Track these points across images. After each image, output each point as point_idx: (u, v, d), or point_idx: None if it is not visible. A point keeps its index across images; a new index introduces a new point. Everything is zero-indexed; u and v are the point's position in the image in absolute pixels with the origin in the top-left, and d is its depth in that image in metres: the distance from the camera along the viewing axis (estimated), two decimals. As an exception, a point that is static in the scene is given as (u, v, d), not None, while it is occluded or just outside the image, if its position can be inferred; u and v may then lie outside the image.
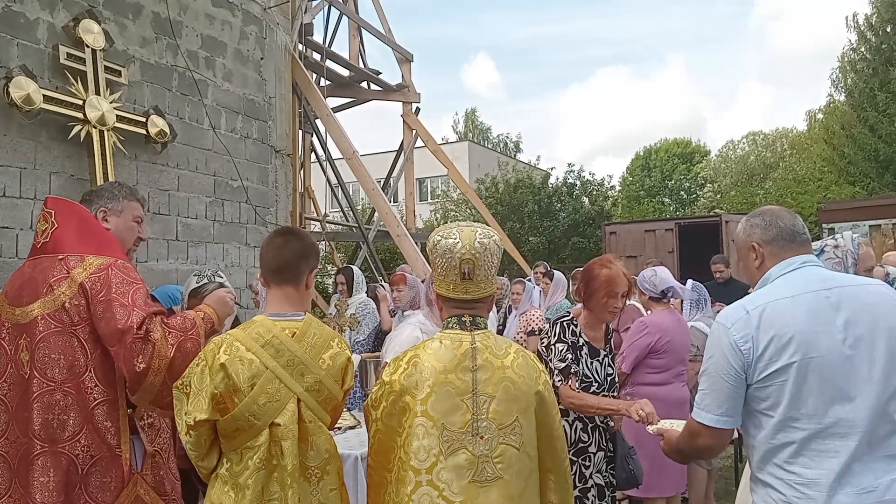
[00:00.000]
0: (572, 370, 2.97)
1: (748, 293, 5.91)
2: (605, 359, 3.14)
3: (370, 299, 5.17)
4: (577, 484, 2.89)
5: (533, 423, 1.99)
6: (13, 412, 2.15)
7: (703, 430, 1.90)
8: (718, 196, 31.54)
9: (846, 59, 24.02)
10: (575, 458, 2.93)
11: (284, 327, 2.02)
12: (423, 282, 4.26)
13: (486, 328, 2.03)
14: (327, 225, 12.32)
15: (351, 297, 5.01)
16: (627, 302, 5.07)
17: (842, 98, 24.78)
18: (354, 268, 5.09)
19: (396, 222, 7.55)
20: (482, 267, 1.96)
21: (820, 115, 26.73)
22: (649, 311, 4.65)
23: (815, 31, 60.91)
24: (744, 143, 37.70)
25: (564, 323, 3.08)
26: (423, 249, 8.50)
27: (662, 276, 4.41)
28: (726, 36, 79.48)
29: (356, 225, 10.02)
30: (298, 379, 1.99)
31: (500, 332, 5.83)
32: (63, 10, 4.62)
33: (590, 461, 2.98)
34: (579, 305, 3.37)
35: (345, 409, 2.34)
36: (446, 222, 24.45)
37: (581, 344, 3.06)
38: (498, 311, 6.69)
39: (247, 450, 1.92)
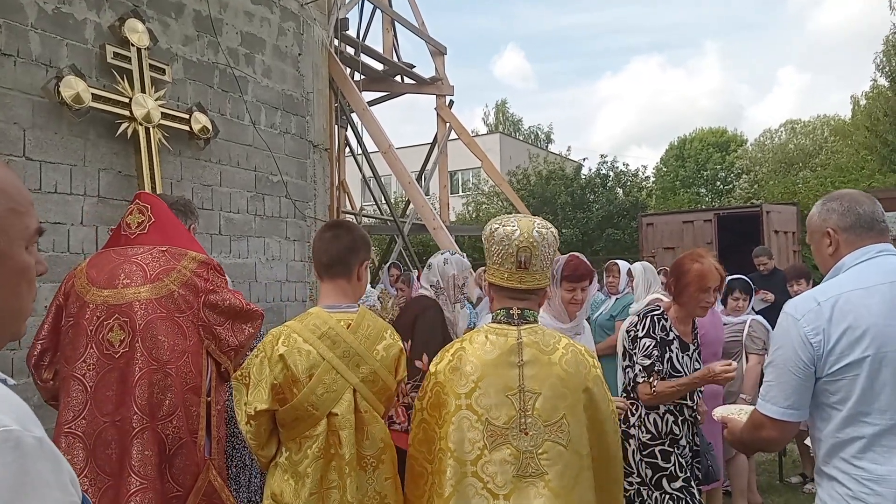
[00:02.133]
0: (655, 368, 2.92)
1: (788, 285, 5.78)
2: (694, 353, 3.10)
3: (372, 289, 5.18)
4: (678, 474, 2.87)
5: (583, 420, 1.93)
6: (92, 392, 2.23)
7: (768, 423, 1.86)
8: (755, 186, 30.89)
9: (891, 42, 23.27)
10: (670, 449, 2.91)
11: (340, 319, 2.06)
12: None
13: (535, 321, 1.99)
14: (362, 219, 12.42)
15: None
16: (655, 296, 5.06)
17: (886, 83, 24.03)
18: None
19: (433, 215, 7.57)
20: (539, 257, 1.95)
21: (864, 101, 25.91)
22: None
23: (858, 15, 59.04)
24: (782, 132, 36.84)
25: (655, 317, 3.03)
26: (456, 241, 8.51)
27: None
28: (764, 21, 77.68)
29: (391, 218, 10.07)
30: (354, 370, 2.02)
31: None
32: (109, 10, 4.71)
33: (682, 450, 2.96)
34: (668, 299, 3.34)
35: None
36: (478, 215, 24.43)
37: (671, 338, 3.00)
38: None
39: (305, 439, 1.96)
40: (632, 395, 3.02)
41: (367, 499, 1.99)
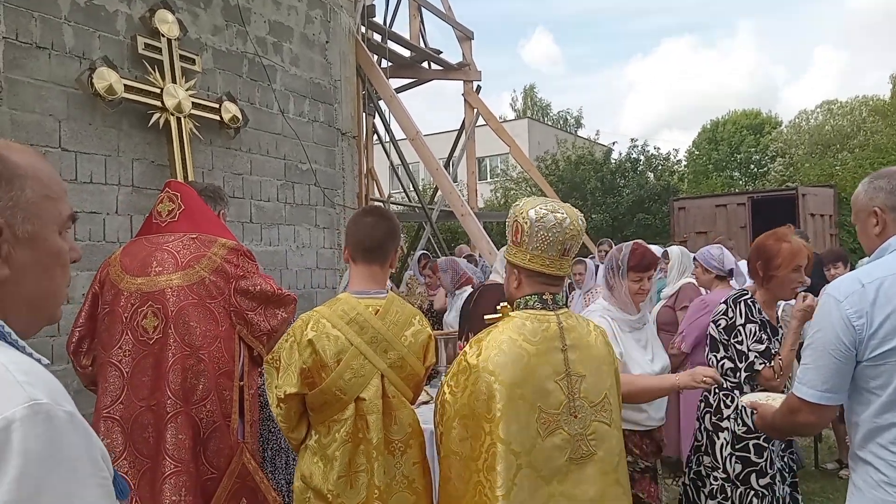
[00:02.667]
0: (773, 351, 2.83)
1: (825, 269, 5.63)
2: (781, 338, 3.01)
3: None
4: (769, 470, 2.81)
5: (618, 398, 2.01)
6: (129, 377, 2.29)
7: (805, 407, 1.81)
8: (791, 169, 30.19)
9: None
10: (765, 444, 2.84)
11: (368, 305, 2.07)
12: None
13: (565, 305, 2.02)
14: (390, 206, 12.45)
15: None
16: (688, 280, 4.97)
17: (928, 61, 23.19)
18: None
19: (461, 202, 7.56)
20: (578, 244, 1.97)
21: (904, 80, 25.07)
22: (707, 291, 4.53)
23: (898, -10, 56.93)
24: (818, 113, 35.89)
25: (749, 301, 2.94)
26: (485, 227, 8.50)
27: (728, 255, 4.33)
28: (799, -1, 75.44)
29: (419, 205, 10.08)
30: (382, 355, 2.03)
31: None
32: (139, 2, 4.78)
33: (775, 444, 2.87)
34: (750, 282, 3.27)
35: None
36: (507, 202, 24.34)
37: (764, 323, 2.93)
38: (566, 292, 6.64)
39: (334, 423, 1.99)
40: (724, 388, 2.89)
41: (394, 482, 2.01)
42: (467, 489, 1.84)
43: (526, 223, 1.92)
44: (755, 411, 2.18)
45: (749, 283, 5.29)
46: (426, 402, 3.58)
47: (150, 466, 2.23)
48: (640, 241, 3.14)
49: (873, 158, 22.26)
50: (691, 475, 2.97)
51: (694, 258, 4.44)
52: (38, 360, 0.93)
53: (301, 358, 1.98)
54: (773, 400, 2.17)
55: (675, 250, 5.20)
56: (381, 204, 10.26)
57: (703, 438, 2.94)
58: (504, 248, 3.49)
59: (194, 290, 2.34)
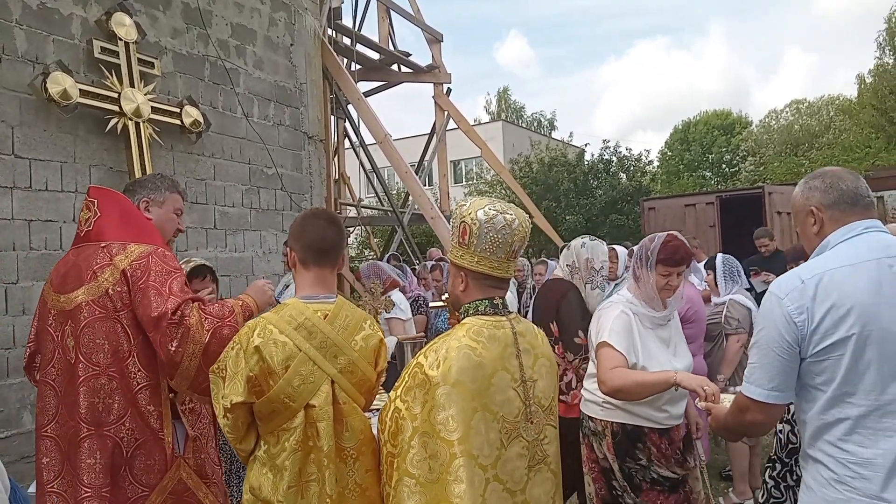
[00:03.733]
0: None
1: (788, 267, 5.71)
2: None
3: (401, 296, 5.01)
4: (791, 482, 2.83)
5: (557, 399, 2.04)
6: (62, 397, 2.21)
7: (752, 406, 1.81)
8: (761, 168, 30.67)
9: (894, 20, 22.99)
10: (787, 459, 2.86)
11: (317, 310, 2.03)
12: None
13: (511, 311, 2.01)
14: (363, 210, 12.38)
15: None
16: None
17: (890, 61, 23.76)
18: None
19: (430, 205, 7.53)
20: (524, 246, 1.95)
21: (870, 79, 25.60)
22: None
23: (862, -7, 58.31)
24: (787, 112, 36.51)
25: None
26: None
27: None
28: (770, 1, 76.84)
29: (391, 209, 10.03)
30: (332, 360, 1.99)
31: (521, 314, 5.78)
32: (95, 4, 4.68)
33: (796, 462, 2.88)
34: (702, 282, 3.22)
35: (380, 391, 2.32)
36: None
37: None
38: (522, 292, 6.64)
39: (283, 432, 1.94)
40: None
41: (347, 491, 1.96)
42: None
43: (474, 224, 1.87)
44: (709, 413, 2.18)
45: (699, 282, 5.37)
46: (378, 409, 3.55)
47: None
48: (674, 232, 2.92)
49: (839, 157, 22.71)
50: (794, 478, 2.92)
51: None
52: None
53: (248, 365, 1.92)
54: (727, 401, 2.17)
55: (621, 250, 5.24)
56: (352, 208, 10.19)
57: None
58: (565, 247, 3.50)
59: (100, 303, 2.19)
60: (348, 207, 10.51)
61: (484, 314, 1.90)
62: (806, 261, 5.52)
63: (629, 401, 2.65)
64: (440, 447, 1.73)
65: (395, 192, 17.40)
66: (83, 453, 2.12)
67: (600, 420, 2.78)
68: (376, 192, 11.20)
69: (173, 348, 2.13)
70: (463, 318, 1.93)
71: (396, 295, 4.79)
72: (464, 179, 31.91)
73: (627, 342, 2.65)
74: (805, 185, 1.93)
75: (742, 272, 4.82)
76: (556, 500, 1.94)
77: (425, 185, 9.56)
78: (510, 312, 1.96)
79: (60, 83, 4.27)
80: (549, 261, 6.15)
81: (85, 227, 2.34)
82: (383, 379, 2.22)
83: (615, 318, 2.71)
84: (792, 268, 5.79)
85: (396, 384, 1.90)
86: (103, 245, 2.27)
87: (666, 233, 2.88)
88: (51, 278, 2.36)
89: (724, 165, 34.42)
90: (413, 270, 6.56)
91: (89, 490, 2.10)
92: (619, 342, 2.63)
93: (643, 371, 2.63)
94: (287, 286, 4.67)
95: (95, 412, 2.15)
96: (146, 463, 2.18)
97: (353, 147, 10.15)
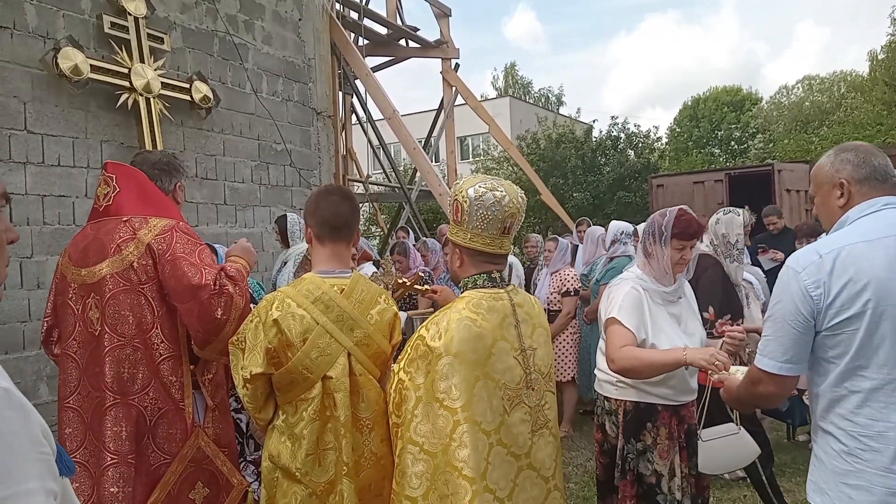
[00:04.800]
0: None
1: (797, 243, 5.68)
2: None
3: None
4: None
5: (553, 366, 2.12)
6: (84, 368, 2.26)
7: (765, 378, 1.84)
8: (771, 145, 30.41)
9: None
10: None
11: (333, 284, 2.06)
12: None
13: (509, 283, 2.06)
14: (370, 186, 12.38)
15: (288, 248, 4.72)
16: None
17: (904, 36, 23.39)
18: (290, 215, 4.75)
19: (438, 181, 7.54)
20: (519, 222, 1.97)
21: (882, 55, 25.23)
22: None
23: (877, -34, 57.04)
24: (798, 89, 36.11)
25: None
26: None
27: None
28: (780, -25, 75.46)
29: (398, 185, 10.04)
30: (348, 333, 2.03)
31: (528, 290, 5.78)
32: (105, -21, 4.67)
33: None
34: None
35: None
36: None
37: None
38: (535, 269, 6.64)
39: (301, 402, 1.99)
40: None
41: (363, 459, 2.01)
42: (432, 482, 1.77)
43: (465, 202, 1.91)
44: (721, 385, 2.21)
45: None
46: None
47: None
48: (684, 206, 2.89)
49: (850, 134, 22.48)
50: None
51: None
52: None
53: (266, 338, 1.97)
54: (739, 373, 2.20)
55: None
56: (359, 184, 10.20)
57: None
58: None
59: (125, 275, 2.25)
60: (356, 184, 10.52)
61: (483, 287, 1.95)
62: (816, 238, 5.52)
63: (639, 379, 2.66)
64: (443, 415, 1.79)
65: (401, 168, 17.37)
66: (109, 421, 2.18)
67: (614, 399, 2.78)
68: (383, 168, 11.20)
69: (220, 316, 2.22)
70: (462, 292, 1.98)
71: (368, 268, 4.81)
72: (470, 156, 31.78)
73: (637, 319, 2.64)
74: (836, 157, 1.91)
75: (745, 250, 4.83)
76: (558, 463, 2.02)
77: (433, 162, 9.55)
78: (508, 285, 2.00)
79: (71, 59, 4.27)
80: (560, 238, 6.14)
81: (104, 201, 2.37)
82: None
83: (625, 295, 2.69)
84: (801, 244, 5.80)
85: (399, 357, 1.95)
86: (125, 219, 2.31)
87: (676, 207, 2.84)
88: (68, 253, 2.40)
89: (732, 142, 34.15)
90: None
91: (116, 456, 2.16)
92: (629, 319, 2.62)
93: (653, 350, 2.62)
94: (285, 263, 4.66)
95: (121, 381, 2.20)
96: (168, 432, 2.24)
97: (360, 122, 10.14)
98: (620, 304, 2.68)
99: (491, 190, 1.92)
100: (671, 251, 2.70)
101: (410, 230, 8.98)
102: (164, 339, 2.26)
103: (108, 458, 2.15)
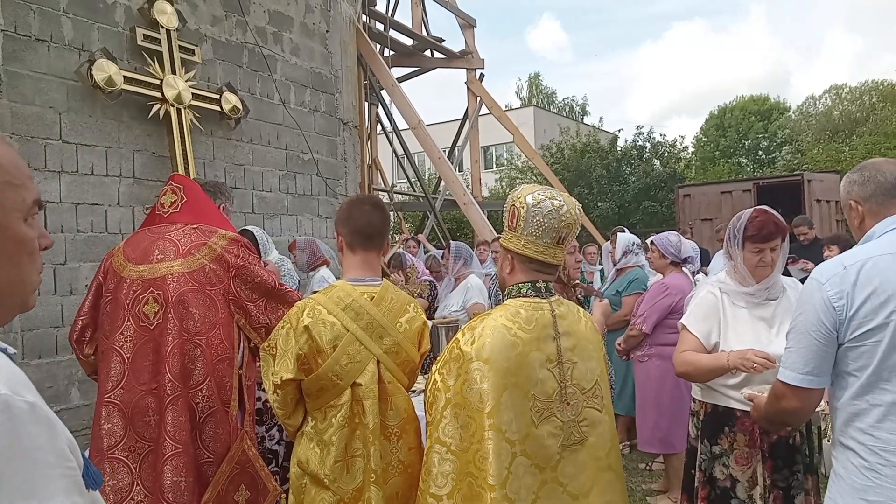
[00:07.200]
0: None
1: (824, 253, 5.57)
2: None
3: (284, 257, 4.87)
4: None
5: (608, 385, 2.03)
6: (130, 363, 2.32)
7: (788, 391, 1.80)
8: (799, 155, 29.96)
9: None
10: None
11: (363, 292, 2.08)
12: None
13: (554, 294, 2.02)
14: (394, 195, 12.45)
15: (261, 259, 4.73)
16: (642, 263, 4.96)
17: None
18: (255, 230, 4.72)
19: (463, 190, 7.55)
20: (574, 234, 1.96)
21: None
22: (659, 275, 4.59)
23: (908, -27, 56.06)
24: (826, 98, 35.55)
25: None
26: (489, 217, 8.48)
27: (686, 243, 4.43)
28: (809, -17, 74.58)
29: (423, 195, 10.08)
30: (377, 341, 2.04)
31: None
32: (138, -7, 4.78)
33: None
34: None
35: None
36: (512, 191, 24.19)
37: None
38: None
39: (330, 408, 2.00)
40: None
41: (390, 467, 2.01)
42: (457, 483, 1.78)
43: (522, 208, 1.90)
44: (751, 402, 2.17)
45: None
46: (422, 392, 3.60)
47: (153, 449, 2.27)
48: (764, 206, 2.79)
49: (881, 143, 22.07)
50: None
51: (652, 242, 4.45)
52: (4, 350, 0.90)
53: (297, 344, 1.98)
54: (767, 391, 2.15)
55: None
56: (384, 194, 10.26)
57: None
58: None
59: (195, 276, 2.38)
60: (381, 193, 10.58)
61: (525, 296, 1.94)
62: (840, 245, 5.41)
63: (700, 382, 2.73)
64: (470, 419, 1.80)
65: (426, 177, 17.43)
66: (172, 411, 2.25)
67: (699, 401, 2.81)
68: (407, 178, 11.25)
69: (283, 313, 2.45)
70: (506, 300, 1.96)
71: (325, 271, 4.87)
72: (494, 165, 31.78)
73: (706, 324, 2.67)
74: (846, 179, 1.96)
75: None
76: (599, 486, 1.90)
77: (457, 172, 9.57)
78: (552, 295, 1.98)
79: (105, 70, 4.38)
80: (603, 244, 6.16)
81: (171, 209, 2.55)
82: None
83: (698, 301, 2.76)
84: (828, 251, 5.70)
85: (438, 358, 1.95)
86: (194, 226, 2.47)
87: (753, 209, 2.78)
88: (123, 252, 2.53)
89: (760, 152, 33.70)
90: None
91: (180, 446, 2.23)
92: (695, 325, 2.69)
93: (704, 355, 2.62)
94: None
95: (185, 374, 2.30)
96: (214, 431, 2.32)
97: (384, 132, 10.21)
98: (691, 309, 2.78)
99: (550, 198, 1.90)
100: (747, 254, 2.65)
101: (420, 242, 8.92)
102: (223, 339, 2.37)
103: (171, 447, 2.22)
